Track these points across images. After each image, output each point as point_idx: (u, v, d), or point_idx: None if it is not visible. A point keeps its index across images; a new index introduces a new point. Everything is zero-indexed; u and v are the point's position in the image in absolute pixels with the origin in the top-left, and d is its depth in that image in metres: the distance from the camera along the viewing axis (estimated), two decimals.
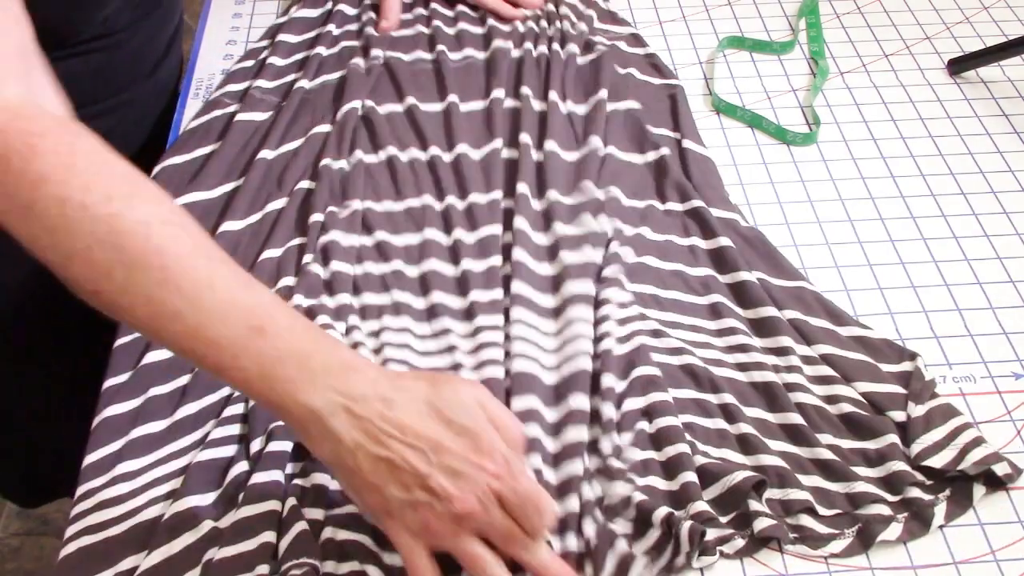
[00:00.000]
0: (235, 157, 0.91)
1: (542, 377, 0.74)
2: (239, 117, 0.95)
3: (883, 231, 0.87)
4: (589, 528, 0.64)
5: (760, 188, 0.91)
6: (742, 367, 0.76)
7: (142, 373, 0.75)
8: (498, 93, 0.95)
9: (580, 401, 0.71)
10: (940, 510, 0.68)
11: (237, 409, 0.72)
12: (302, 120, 0.95)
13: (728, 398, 0.73)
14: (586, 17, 1.04)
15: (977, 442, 0.69)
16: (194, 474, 0.69)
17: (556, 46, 1.00)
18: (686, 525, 0.64)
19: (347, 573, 0.63)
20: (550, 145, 0.90)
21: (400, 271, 0.81)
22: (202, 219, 0.85)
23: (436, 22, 1.04)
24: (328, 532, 0.65)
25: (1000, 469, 0.69)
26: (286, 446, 0.69)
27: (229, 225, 0.85)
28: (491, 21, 1.04)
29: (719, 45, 1.06)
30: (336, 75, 0.98)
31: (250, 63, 1.01)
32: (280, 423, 0.70)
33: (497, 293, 0.79)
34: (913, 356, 0.76)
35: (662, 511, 0.65)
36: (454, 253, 0.83)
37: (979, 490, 0.69)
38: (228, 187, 0.89)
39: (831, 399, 0.74)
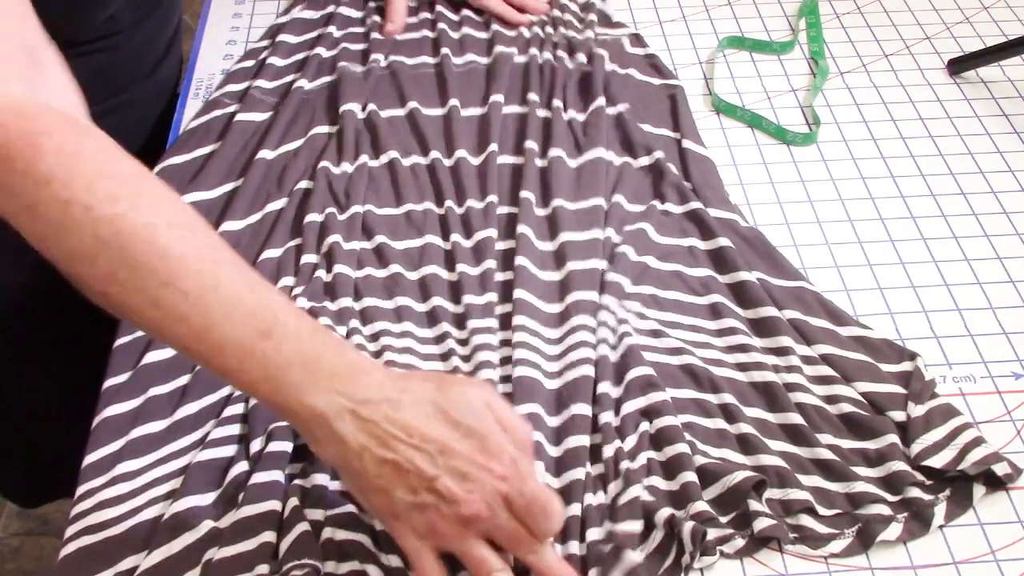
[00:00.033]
0: (235, 157, 0.91)
1: (544, 384, 0.74)
2: (239, 117, 0.95)
3: (883, 231, 0.87)
4: (595, 535, 0.64)
5: (760, 188, 0.91)
6: (742, 367, 0.76)
7: (142, 373, 0.75)
8: (497, 98, 0.95)
9: (582, 408, 0.71)
10: (940, 510, 0.68)
11: (237, 409, 0.72)
12: (302, 120, 0.95)
13: (728, 398, 0.73)
14: (588, 22, 1.04)
15: (977, 442, 0.69)
16: (194, 474, 0.69)
17: (562, 53, 1.00)
18: (688, 526, 0.64)
19: (347, 573, 0.63)
20: (555, 152, 0.90)
21: (400, 275, 0.81)
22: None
23: (441, 26, 1.04)
24: (328, 532, 0.65)
25: (1000, 469, 0.69)
26: (286, 446, 0.69)
27: (229, 225, 0.85)
28: (495, 26, 1.04)
29: (719, 45, 1.06)
30: (335, 77, 0.98)
31: (250, 63, 1.01)
32: (280, 423, 0.70)
33: (491, 296, 0.79)
34: (913, 356, 0.76)
35: (665, 512, 0.65)
36: (452, 257, 0.83)
37: (979, 490, 0.69)
38: (228, 187, 0.89)
39: (831, 399, 0.74)
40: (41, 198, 0.58)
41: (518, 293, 0.79)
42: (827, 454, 0.70)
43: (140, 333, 0.78)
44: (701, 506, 0.66)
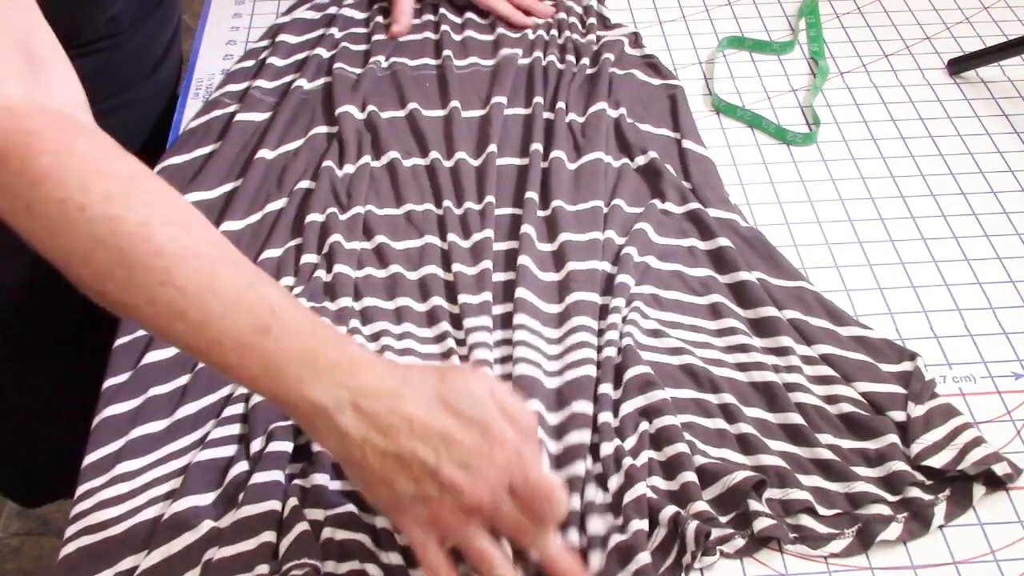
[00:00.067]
0: (235, 157, 0.91)
1: (544, 382, 0.74)
2: (239, 117, 0.95)
3: (883, 231, 0.87)
4: (595, 526, 0.65)
5: (760, 188, 0.91)
6: (742, 367, 0.76)
7: (142, 373, 0.75)
8: (499, 99, 0.95)
9: (583, 406, 0.71)
10: (940, 510, 0.68)
11: (237, 409, 0.72)
12: (301, 120, 0.95)
13: (728, 398, 0.73)
14: (590, 26, 1.05)
15: (977, 442, 0.69)
16: (194, 474, 0.69)
17: (570, 57, 1.00)
18: (692, 525, 0.64)
19: (347, 572, 0.63)
20: (554, 153, 0.90)
21: (400, 275, 0.81)
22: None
23: (444, 28, 1.04)
24: (327, 532, 0.65)
25: (1000, 469, 0.69)
26: (286, 446, 0.69)
27: (229, 225, 0.85)
28: (500, 29, 1.04)
29: (719, 45, 1.06)
30: (332, 78, 0.99)
31: (250, 63, 1.01)
32: (280, 423, 0.70)
33: (487, 295, 0.79)
34: (913, 356, 0.76)
35: (669, 510, 0.65)
36: (449, 257, 0.83)
37: (979, 490, 0.69)
38: (228, 187, 0.89)
39: (831, 399, 0.74)
40: (36, 198, 0.58)
41: (519, 292, 0.79)
42: (827, 454, 0.70)
43: (140, 333, 0.78)
44: (701, 506, 0.66)
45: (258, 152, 0.90)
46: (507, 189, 0.89)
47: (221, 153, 0.91)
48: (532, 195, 0.86)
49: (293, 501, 0.66)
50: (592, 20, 1.05)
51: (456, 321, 0.78)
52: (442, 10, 1.07)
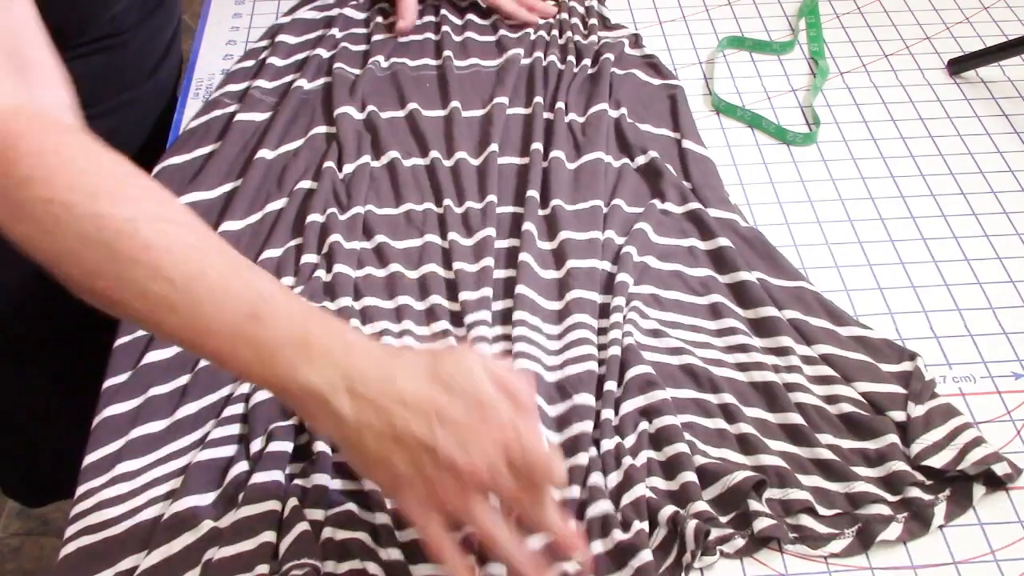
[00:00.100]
0: (235, 157, 0.91)
1: (544, 376, 0.74)
2: (239, 117, 0.95)
3: (883, 231, 0.87)
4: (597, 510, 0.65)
5: (760, 188, 0.91)
6: (742, 367, 0.76)
7: (142, 373, 0.75)
8: (501, 99, 0.96)
9: (585, 399, 0.72)
10: (940, 510, 0.68)
11: (237, 409, 0.72)
12: (301, 120, 0.95)
13: (728, 398, 0.73)
14: (591, 27, 1.05)
15: (977, 442, 0.69)
16: (194, 474, 0.69)
17: (571, 57, 1.00)
18: (691, 524, 0.64)
19: (347, 572, 0.64)
20: (554, 153, 0.90)
21: (400, 274, 0.81)
22: (202, 219, 0.85)
23: (444, 29, 1.04)
24: (328, 532, 0.65)
25: (1000, 469, 0.69)
26: (286, 446, 0.69)
27: (229, 225, 0.85)
28: (501, 30, 1.05)
29: (719, 45, 1.06)
30: (331, 79, 0.99)
31: (250, 63, 1.01)
32: (280, 423, 0.70)
33: (487, 291, 0.79)
34: (913, 356, 0.76)
35: (668, 510, 0.65)
36: (450, 256, 0.83)
37: (979, 490, 0.69)
38: (228, 187, 0.89)
39: (831, 399, 0.74)
40: (22, 199, 0.58)
41: (519, 289, 0.79)
42: (827, 454, 0.70)
43: (140, 333, 0.78)
44: (701, 506, 0.66)
45: (258, 152, 0.90)
46: (507, 188, 0.89)
47: (221, 153, 0.91)
48: (533, 193, 0.87)
49: (293, 501, 0.66)
50: (593, 21, 1.05)
51: (456, 319, 0.78)
52: (443, 11, 1.07)
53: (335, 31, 1.03)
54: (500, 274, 0.82)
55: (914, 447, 0.70)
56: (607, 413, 0.71)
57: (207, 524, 0.66)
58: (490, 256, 0.82)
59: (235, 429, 0.71)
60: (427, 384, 0.58)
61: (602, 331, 0.77)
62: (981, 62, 1.02)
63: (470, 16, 1.07)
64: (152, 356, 0.76)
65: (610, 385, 0.73)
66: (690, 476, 0.68)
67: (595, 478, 0.67)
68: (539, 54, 1.01)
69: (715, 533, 0.65)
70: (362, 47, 1.03)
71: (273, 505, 0.66)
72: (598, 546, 0.65)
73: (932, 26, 1.09)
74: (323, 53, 1.01)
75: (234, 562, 0.63)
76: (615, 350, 0.75)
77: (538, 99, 0.95)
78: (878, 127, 0.97)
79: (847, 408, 0.73)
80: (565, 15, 1.05)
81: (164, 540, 0.65)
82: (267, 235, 0.85)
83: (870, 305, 0.81)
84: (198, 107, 0.98)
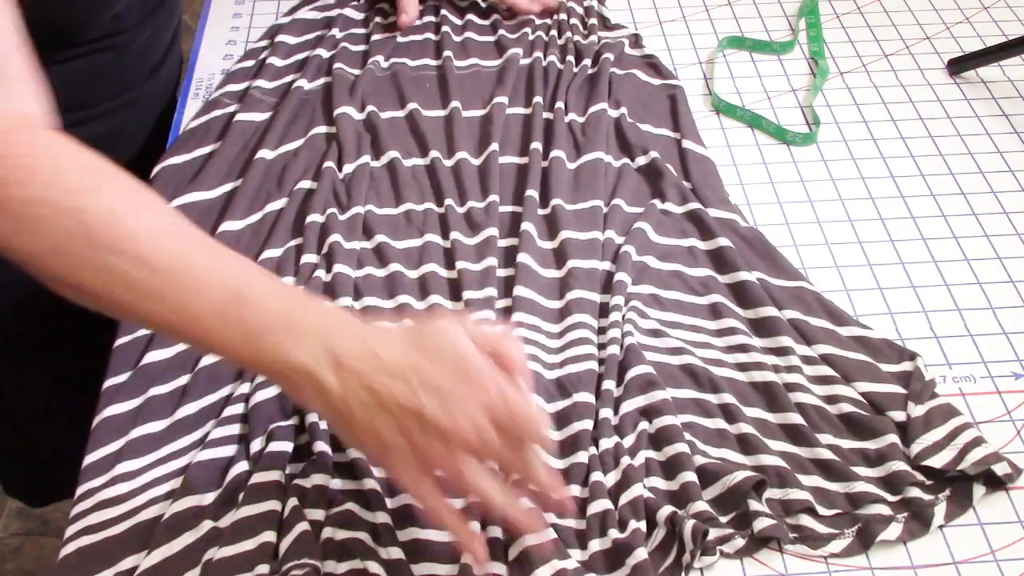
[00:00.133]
0: (235, 157, 0.91)
1: (543, 374, 0.74)
2: (239, 117, 0.95)
3: (883, 231, 0.87)
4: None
5: (760, 188, 0.91)
6: (742, 367, 0.76)
7: (142, 373, 0.75)
8: (501, 99, 0.96)
9: (585, 396, 0.72)
10: (940, 510, 0.68)
11: (237, 409, 0.72)
12: (301, 120, 0.95)
13: (728, 398, 0.73)
14: (591, 27, 1.05)
15: (977, 442, 0.69)
16: (194, 474, 0.69)
17: (571, 58, 1.00)
18: (689, 524, 0.64)
19: (347, 571, 0.64)
20: (554, 153, 0.90)
21: (400, 273, 0.81)
22: (202, 219, 0.86)
23: (444, 29, 1.04)
24: (327, 532, 0.65)
25: (1000, 469, 0.69)
26: (286, 446, 0.69)
27: (229, 225, 0.85)
28: (501, 31, 1.05)
29: (719, 45, 1.06)
30: (331, 79, 0.99)
31: (250, 63, 1.01)
32: (280, 423, 0.70)
33: (491, 291, 0.79)
34: (913, 356, 0.76)
35: (666, 510, 0.65)
36: (452, 255, 0.83)
37: (979, 490, 0.69)
38: (228, 187, 0.89)
39: (831, 399, 0.74)
40: (2, 200, 0.58)
41: (518, 289, 0.79)
42: (827, 454, 0.70)
43: (140, 333, 0.78)
44: (701, 506, 0.66)
45: (258, 152, 0.90)
46: (507, 187, 0.89)
47: (221, 153, 0.91)
48: (532, 193, 0.87)
49: (293, 501, 0.66)
50: (593, 21, 1.05)
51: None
52: (443, 11, 1.07)
53: (335, 31, 1.04)
54: (500, 273, 0.82)
55: (914, 447, 0.70)
56: (606, 412, 0.71)
57: (207, 524, 0.66)
58: (493, 256, 0.82)
59: (235, 429, 0.71)
60: (410, 351, 0.59)
61: (601, 331, 0.77)
62: (981, 62, 1.02)
63: (470, 16, 1.07)
64: (152, 356, 0.76)
65: (608, 384, 0.73)
66: (690, 476, 0.68)
67: (595, 476, 0.67)
68: (539, 54, 1.01)
69: (715, 533, 0.65)
70: (362, 47, 1.03)
71: (273, 505, 0.66)
72: (596, 545, 0.65)
73: (932, 26, 1.09)
74: (323, 53, 1.01)
75: (234, 562, 0.63)
76: (614, 349, 0.75)
77: (538, 99, 0.95)
78: (878, 127, 0.97)
79: (847, 408, 0.73)
80: (564, 15, 1.06)
81: (164, 540, 0.65)
82: (267, 235, 0.85)
83: (870, 305, 0.81)
84: (198, 107, 0.98)
